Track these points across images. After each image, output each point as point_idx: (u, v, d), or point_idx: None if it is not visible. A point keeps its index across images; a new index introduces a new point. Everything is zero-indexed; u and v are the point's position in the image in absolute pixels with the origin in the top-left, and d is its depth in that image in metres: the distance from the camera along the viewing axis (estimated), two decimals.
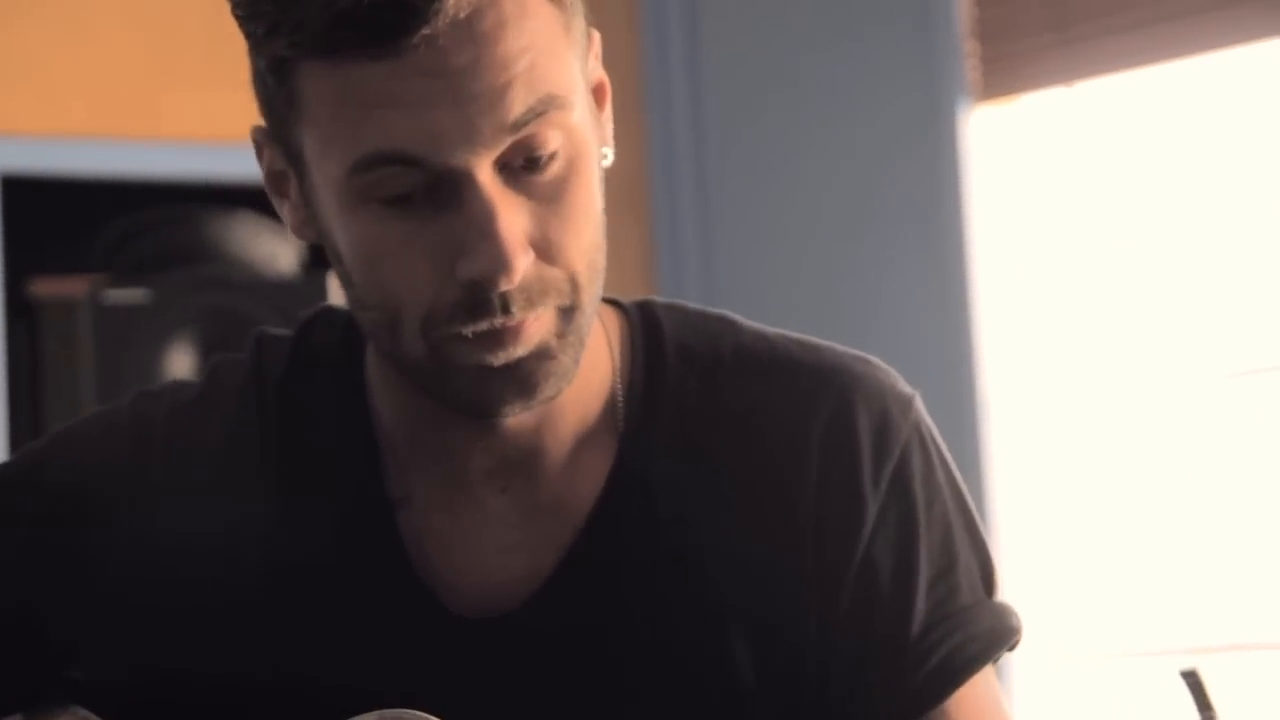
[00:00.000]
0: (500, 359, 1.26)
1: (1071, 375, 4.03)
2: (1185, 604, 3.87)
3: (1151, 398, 3.94)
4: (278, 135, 1.30)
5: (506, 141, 1.23)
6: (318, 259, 4.13)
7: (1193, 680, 1.27)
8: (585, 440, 1.36)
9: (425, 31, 1.20)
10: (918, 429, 1.38)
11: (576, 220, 1.27)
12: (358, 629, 1.34)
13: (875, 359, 1.41)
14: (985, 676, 1.37)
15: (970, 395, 4.00)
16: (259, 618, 1.35)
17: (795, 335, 1.41)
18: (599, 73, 1.33)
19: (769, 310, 4.83)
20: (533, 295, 1.26)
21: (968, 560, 1.38)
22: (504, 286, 1.24)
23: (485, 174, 1.23)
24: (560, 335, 1.28)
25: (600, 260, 1.30)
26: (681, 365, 1.38)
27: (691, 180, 4.46)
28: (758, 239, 4.37)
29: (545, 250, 1.26)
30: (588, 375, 1.35)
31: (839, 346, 1.41)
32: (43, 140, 4.05)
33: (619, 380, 1.38)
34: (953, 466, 1.40)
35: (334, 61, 1.22)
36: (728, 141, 4.43)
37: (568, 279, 1.27)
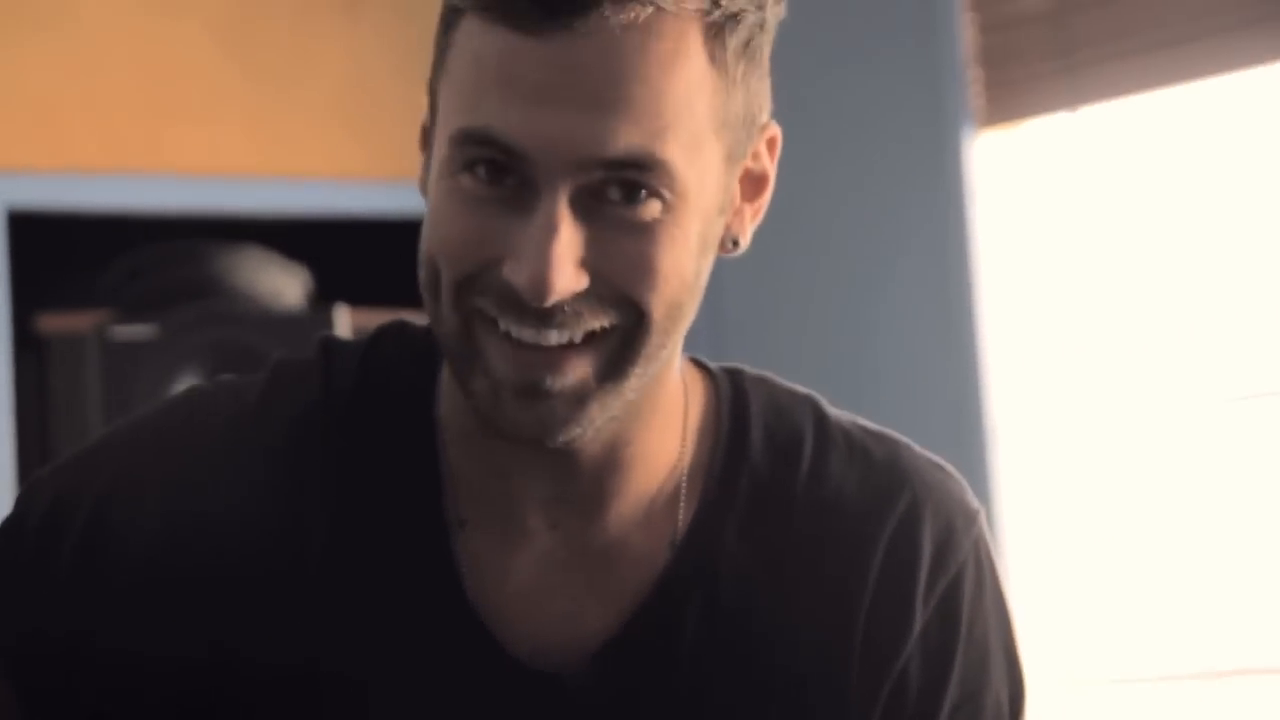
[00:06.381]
0: (526, 377, 1.23)
1: (1078, 399, 4.03)
2: (1197, 628, 3.86)
3: (1158, 421, 3.94)
4: (431, 87, 1.27)
5: (595, 175, 1.20)
6: (324, 292, 4.13)
7: None
8: (651, 501, 1.33)
9: (579, 26, 1.18)
10: (977, 548, 1.37)
11: (646, 272, 1.23)
12: (406, 652, 1.32)
13: (948, 466, 1.40)
14: None
15: (977, 419, 4.00)
16: (312, 630, 1.32)
17: (873, 429, 1.39)
18: (762, 165, 1.30)
19: (774, 340, 4.78)
20: (567, 319, 1.22)
21: (998, 687, 1.38)
22: (534, 304, 1.21)
23: (563, 193, 1.20)
24: (600, 381, 1.24)
25: (680, 321, 1.26)
26: (764, 447, 1.36)
27: None
28: (760, 265, 4.36)
29: (604, 284, 1.22)
30: (663, 435, 1.33)
31: (915, 447, 1.39)
32: (49, 175, 4.05)
33: (701, 449, 1.35)
34: (1003, 588, 1.40)
35: (489, 23, 1.21)
36: None
37: (620, 326, 1.23)
